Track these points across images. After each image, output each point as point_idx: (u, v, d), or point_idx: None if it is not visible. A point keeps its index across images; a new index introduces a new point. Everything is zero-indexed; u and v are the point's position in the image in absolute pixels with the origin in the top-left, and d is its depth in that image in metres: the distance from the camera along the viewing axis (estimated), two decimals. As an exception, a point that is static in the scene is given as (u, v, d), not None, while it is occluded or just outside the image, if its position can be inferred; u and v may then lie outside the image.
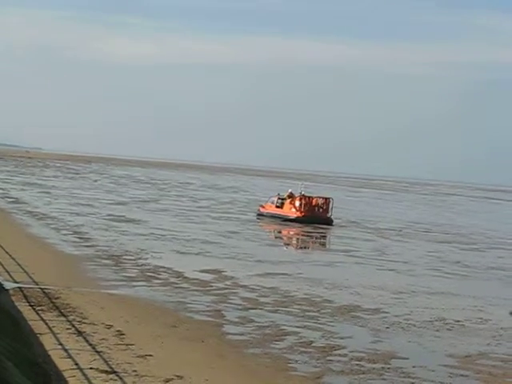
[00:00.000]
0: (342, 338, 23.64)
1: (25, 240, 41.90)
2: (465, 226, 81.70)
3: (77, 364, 17.37)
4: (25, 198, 74.12)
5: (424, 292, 34.07)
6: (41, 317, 21.90)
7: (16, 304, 23.35)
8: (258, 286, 32.40)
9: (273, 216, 69.92)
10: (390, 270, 41.30)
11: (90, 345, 19.51)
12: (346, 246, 52.01)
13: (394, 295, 32.61)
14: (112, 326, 22.18)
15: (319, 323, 25.61)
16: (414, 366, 20.99)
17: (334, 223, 68.14)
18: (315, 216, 68.36)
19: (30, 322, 20.97)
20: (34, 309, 23.01)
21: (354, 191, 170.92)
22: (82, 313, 23.45)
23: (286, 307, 27.98)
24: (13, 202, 67.62)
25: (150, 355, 19.28)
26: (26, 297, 24.76)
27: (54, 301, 24.66)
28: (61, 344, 18.96)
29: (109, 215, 60.94)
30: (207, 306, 27.05)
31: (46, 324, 21.00)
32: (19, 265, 30.71)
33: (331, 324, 25.65)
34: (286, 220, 68.42)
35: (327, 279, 35.44)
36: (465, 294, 34.52)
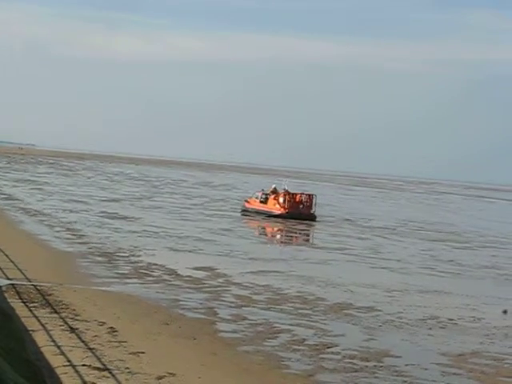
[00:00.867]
0: (334, 336, 23.65)
1: (18, 237, 41.82)
2: (458, 224, 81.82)
3: (69, 361, 17.35)
4: (18, 194, 73.90)
5: (417, 290, 34.09)
6: (33, 313, 21.87)
7: (9, 301, 23.30)
8: (251, 283, 32.39)
9: (257, 212, 70.63)
10: (383, 268, 41.33)
11: (83, 342, 19.49)
12: (340, 243, 52.04)
13: (387, 293, 32.62)
14: (105, 322, 22.16)
15: (312, 321, 25.61)
16: (406, 365, 21.00)
17: (317, 219, 69.15)
18: (299, 212, 69.53)
19: (23, 319, 20.94)
20: (27, 305, 22.97)
21: (349, 189, 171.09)
22: (74, 310, 23.42)
23: (278, 305, 27.97)
24: (5, 198, 67.47)
25: (143, 352, 19.25)
26: (18, 293, 24.72)
27: (46, 297, 24.63)
28: (53, 341, 18.93)
29: (102, 212, 60.88)
30: (200, 304, 27.03)
31: (39, 321, 20.97)
32: (12, 261, 30.63)
33: (324, 322, 25.65)
34: (270, 216, 69.12)
35: (320, 277, 35.44)
36: (458, 293, 34.55)
